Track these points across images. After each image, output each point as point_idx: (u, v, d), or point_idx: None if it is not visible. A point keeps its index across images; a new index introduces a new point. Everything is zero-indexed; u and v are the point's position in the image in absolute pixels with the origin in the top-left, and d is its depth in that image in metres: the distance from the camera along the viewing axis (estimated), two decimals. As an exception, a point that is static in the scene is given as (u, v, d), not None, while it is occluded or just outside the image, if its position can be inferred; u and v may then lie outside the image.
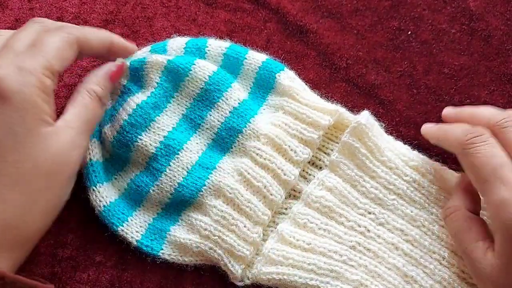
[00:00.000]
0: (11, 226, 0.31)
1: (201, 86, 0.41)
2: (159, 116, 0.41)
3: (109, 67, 0.39)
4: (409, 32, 0.48)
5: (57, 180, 0.34)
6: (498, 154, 0.34)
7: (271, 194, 0.40)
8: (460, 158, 0.37)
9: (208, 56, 0.43)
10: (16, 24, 0.46)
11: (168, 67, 0.41)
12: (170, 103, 0.42)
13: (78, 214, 0.42)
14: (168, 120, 0.41)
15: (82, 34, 0.36)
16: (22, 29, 0.36)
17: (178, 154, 0.41)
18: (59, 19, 0.46)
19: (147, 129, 0.40)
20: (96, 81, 0.38)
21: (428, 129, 0.41)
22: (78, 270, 0.41)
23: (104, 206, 0.40)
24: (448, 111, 0.41)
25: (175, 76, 0.41)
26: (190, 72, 0.41)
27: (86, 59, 0.46)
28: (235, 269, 0.38)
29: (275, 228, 0.40)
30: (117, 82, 0.39)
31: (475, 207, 0.37)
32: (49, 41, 0.34)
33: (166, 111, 0.42)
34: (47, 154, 0.33)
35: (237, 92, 0.42)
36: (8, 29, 0.46)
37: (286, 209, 0.41)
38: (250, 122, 0.41)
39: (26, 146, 0.32)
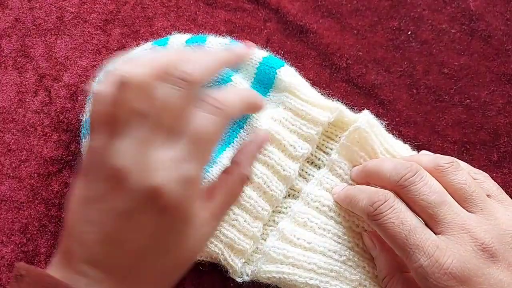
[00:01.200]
0: None
1: None
2: None
3: (256, 143, 0.36)
4: (409, 32, 0.48)
5: (186, 266, 0.32)
6: (406, 218, 0.33)
7: (271, 190, 0.40)
8: (372, 226, 0.36)
9: None
10: (16, 23, 0.46)
11: None
12: None
13: (78, 214, 0.42)
14: None
15: (234, 112, 0.32)
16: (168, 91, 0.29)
17: None
18: (59, 19, 0.46)
19: None
20: (249, 163, 0.34)
21: (336, 197, 0.39)
22: (78, 270, 0.41)
23: None
24: (354, 172, 0.40)
25: None
26: None
27: (86, 59, 0.46)
28: (235, 263, 0.39)
29: (275, 227, 0.40)
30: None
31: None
32: (209, 136, 0.30)
33: None
34: (188, 253, 0.31)
35: (239, 86, 0.42)
36: (7, 28, 0.46)
37: (285, 208, 0.41)
38: (251, 118, 0.41)
39: (170, 251, 0.30)
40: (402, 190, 0.35)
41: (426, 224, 0.34)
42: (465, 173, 0.35)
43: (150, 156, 0.28)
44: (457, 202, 0.34)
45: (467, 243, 0.32)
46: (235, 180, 0.33)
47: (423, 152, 0.41)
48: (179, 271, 0.32)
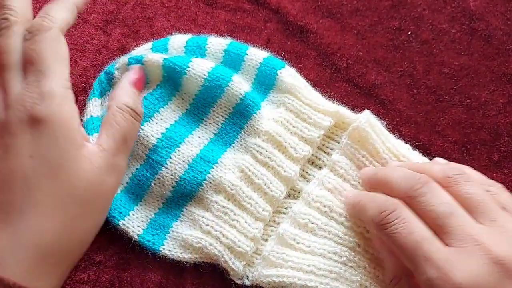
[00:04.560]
0: (50, 253, 0.30)
1: (201, 84, 0.42)
2: (163, 108, 0.42)
3: (129, 75, 0.37)
4: (409, 32, 0.48)
5: (92, 208, 0.32)
6: (415, 228, 0.32)
7: (271, 191, 0.40)
8: (380, 236, 0.35)
9: (208, 53, 0.43)
10: (16, 24, 0.46)
11: (165, 66, 0.41)
12: (172, 100, 0.43)
13: (78, 214, 0.42)
14: (171, 114, 0.42)
15: (62, 21, 0.34)
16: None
17: (179, 146, 0.41)
18: (59, 19, 0.46)
19: (150, 119, 0.41)
20: (123, 92, 0.35)
21: (346, 202, 0.39)
22: (78, 270, 0.41)
23: None
24: (364, 176, 0.39)
25: (174, 75, 0.42)
26: (188, 70, 0.41)
27: (86, 59, 0.46)
28: (236, 266, 0.38)
29: (276, 227, 0.40)
30: (143, 87, 0.36)
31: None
32: (43, 49, 0.32)
33: (170, 105, 0.42)
34: (81, 183, 0.31)
35: (239, 86, 0.42)
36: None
37: (286, 208, 0.41)
38: (251, 119, 0.41)
39: (59, 174, 0.30)
40: (411, 201, 0.34)
41: (436, 236, 0.33)
42: (475, 184, 0.34)
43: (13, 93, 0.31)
44: (468, 213, 0.33)
45: (480, 257, 0.31)
46: (111, 108, 0.34)
47: (436, 160, 0.40)
48: (84, 208, 0.31)
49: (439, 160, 0.40)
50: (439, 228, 0.33)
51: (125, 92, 0.35)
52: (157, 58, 0.41)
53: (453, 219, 0.32)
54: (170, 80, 0.42)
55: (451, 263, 0.31)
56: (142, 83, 0.36)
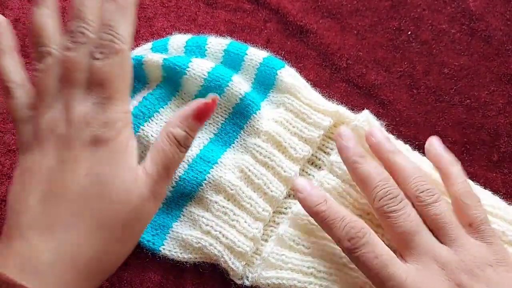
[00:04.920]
0: (86, 270, 0.31)
1: (201, 84, 0.42)
2: (163, 108, 0.42)
3: (196, 104, 0.33)
4: (409, 32, 0.48)
5: (131, 232, 0.33)
6: (381, 252, 0.34)
7: (271, 191, 0.40)
8: (347, 256, 0.36)
9: (208, 53, 0.43)
10: (16, 24, 0.46)
11: (165, 66, 0.41)
12: (172, 100, 0.43)
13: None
14: (171, 114, 0.42)
15: (130, 40, 0.33)
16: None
17: None
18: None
19: (150, 120, 0.41)
20: (177, 123, 0.33)
21: (304, 204, 0.38)
22: (78, 270, 0.41)
23: None
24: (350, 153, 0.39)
25: (174, 75, 0.42)
26: (187, 70, 0.41)
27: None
28: (236, 266, 0.39)
29: (276, 228, 0.40)
30: (205, 121, 0.34)
31: None
32: (113, 73, 0.32)
33: (170, 105, 0.42)
34: (127, 206, 0.32)
35: (239, 86, 0.42)
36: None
37: (286, 208, 0.41)
38: (251, 119, 0.41)
39: (109, 195, 0.31)
40: (381, 215, 0.36)
41: (400, 251, 0.36)
42: (442, 205, 0.36)
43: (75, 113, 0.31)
44: (433, 232, 0.36)
45: (438, 274, 0.34)
46: (162, 135, 0.33)
47: (432, 142, 0.41)
48: (125, 231, 0.32)
49: (434, 142, 0.41)
50: (403, 245, 0.35)
51: (182, 122, 0.34)
52: (157, 58, 0.41)
53: (417, 238, 0.35)
54: (170, 80, 0.42)
55: (412, 280, 0.33)
56: (207, 116, 0.34)
